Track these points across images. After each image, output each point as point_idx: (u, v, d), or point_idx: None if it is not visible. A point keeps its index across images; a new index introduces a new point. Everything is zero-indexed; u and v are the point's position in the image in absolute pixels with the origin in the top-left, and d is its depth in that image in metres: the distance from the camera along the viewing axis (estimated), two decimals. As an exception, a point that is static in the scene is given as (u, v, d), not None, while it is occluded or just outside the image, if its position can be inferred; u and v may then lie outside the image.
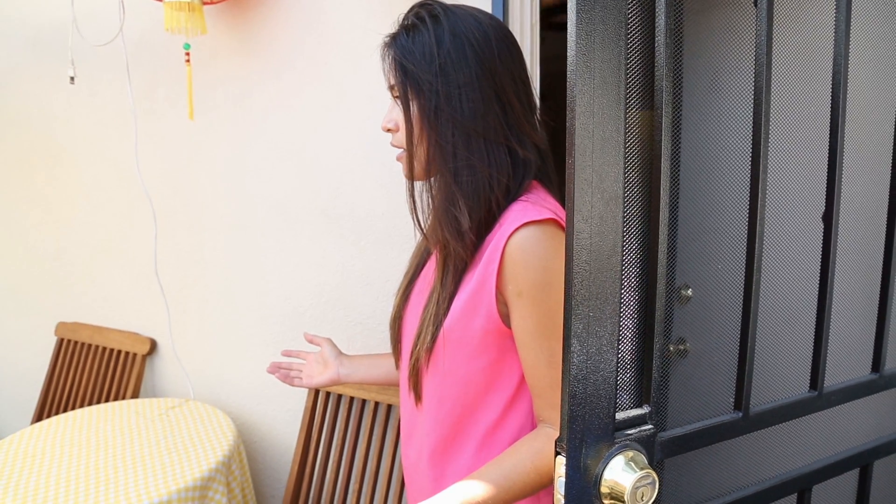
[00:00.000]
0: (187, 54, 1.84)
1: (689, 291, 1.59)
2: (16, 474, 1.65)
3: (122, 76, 2.09)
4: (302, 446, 1.90)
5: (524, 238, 0.85)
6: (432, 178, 0.96)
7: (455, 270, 0.93)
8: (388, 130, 0.99)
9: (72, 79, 1.85)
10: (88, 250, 2.42)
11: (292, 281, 1.93)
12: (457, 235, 0.91)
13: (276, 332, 1.99)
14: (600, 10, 0.64)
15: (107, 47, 2.07)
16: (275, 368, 1.30)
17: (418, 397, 0.99)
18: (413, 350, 0.97)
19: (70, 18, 2.16)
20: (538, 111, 1.00)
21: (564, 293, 0.65)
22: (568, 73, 0.64)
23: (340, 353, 1.28)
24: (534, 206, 0.88)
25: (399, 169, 1.63)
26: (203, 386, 2.17)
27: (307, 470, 1.90)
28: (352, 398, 1.85)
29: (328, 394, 1.89)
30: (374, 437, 1.81)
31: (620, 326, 0.71)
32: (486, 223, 0.91)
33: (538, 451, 0.87)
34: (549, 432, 0.89)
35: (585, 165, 0.65)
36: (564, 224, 0.87)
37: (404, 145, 0.96)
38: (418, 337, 0.95)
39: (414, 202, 0.98)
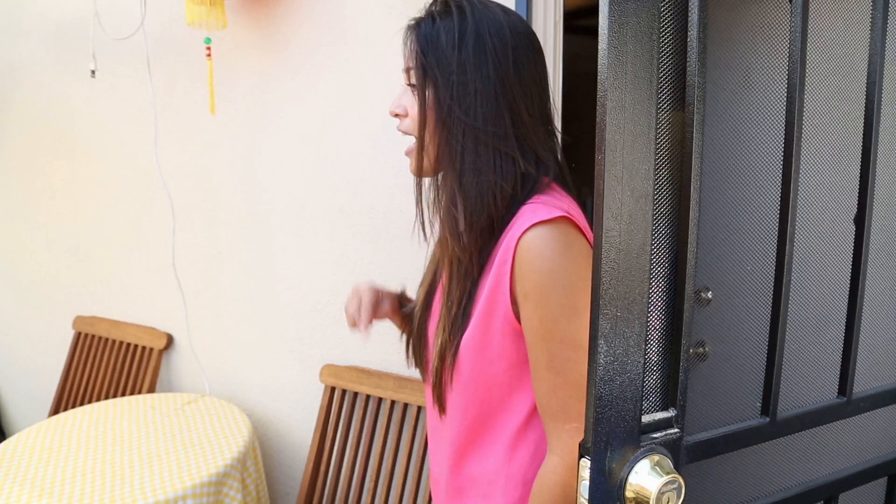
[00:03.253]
0: (208, 48, 1.84)
1: (709, 294, 1.57)
2: (32, 467, 1.66)
3: (143, 70, 2.10)
4: (317, 444, 1.89)
5: (532, 238, 0.84)
6: (439, 176, 0.95)
7: (458, 276, 0.92)
8: (396, 115, 0.98)
9: (93, 72, 1.86)
10: (107, 244, 2.43)
11: (309, 277, 1.93)
12: (454, 235, 0.90)
13: (293, 329, 1.99)
14: (633, 4, 0.62)
15: (127, 41, 2.08)
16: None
17: (442, 409, 0.98)
18: (433, 362, 0.96)
19: (91, 12, 2.17)
20: (554, 117, 0.98)
21: (592, 292, 0.64)
22: (599, 67, 0.63)
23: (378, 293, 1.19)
24: (544, 206, 0.87)
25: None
26: (219, 381, 2.17)
27: (322, 468, 1.90)
28: (367, 396, 1.85)
29: (344, 392, 1.89)
30: (389, 436, 1.80)
31: (648, 327, 0.69)
32: (489, 228, 0.90)
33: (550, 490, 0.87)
34: (553, 465, 0.88)
35: (616, 162, 0.63)
36: (579, 221, 0.87)
37: (413, 132, 0.95)
38: (437, 349, 0.95)
39: (420, 198, 0.97)
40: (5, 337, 2.97)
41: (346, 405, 1.89)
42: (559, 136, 1.00)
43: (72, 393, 2.50)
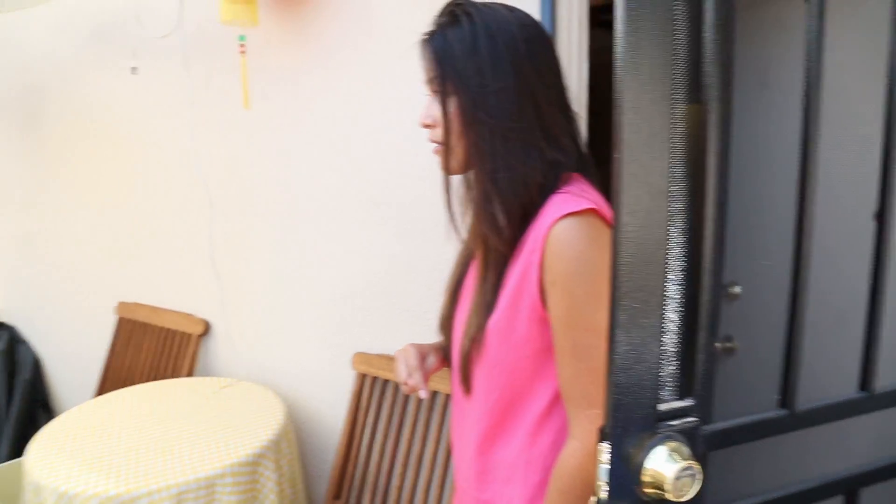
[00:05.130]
0: (242, 45, 1.89)
1: (738, 289, 1.57)
2: (79, 443, 1.75)
3: (180, 67, 2.17)
4: (348, 429, 1.95)
5: (562, 229, 0.87)
6: (469, 173, 0.98)
7: (496, 264, 0.96)
8: (427, 126, 1.01)
9: (134, 69, 1.92)
10: (147, 233, 2.52)
11: (340, 267, 1.98)
12: (495, 231, 0.94)
13: (324, 317, 2.05)
14: (649, 4, 0.64)
15: (165, 39, 2.15)
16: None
17: (468, 388, 1.02)
18: (462, 342, 0.99)
19: (131, 11, 2.25)
20: (572, 107, 1.00)
21: (610, 284, 0.67)
22: (615, 67, 0.65)
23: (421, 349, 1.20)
24: (574, 196, 0.90)
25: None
26: (253, 367, 2.24)
27: (353, 452, 1.95)
28: (397, 384, 1.89)
29: (374, 378, 1.94)
30: (418, 423, 1.85)
31: (664, 319, 0.72)
32: (524, 218, 0.93)
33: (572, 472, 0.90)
34: (572, 449, 0.90)
35: (632, 160, 0.66)
36: (606, 214, 0.89)
37: (442, 140, 0.98)
38: (467, 329, 0.98)
39: (449, 196, 1.00)
40: (54, 321, 3.10)
41: (376, 392, 1.94)
42: (578, 121, 1.02)
43: (115, 375, 2.60)
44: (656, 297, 0.70)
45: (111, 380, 2.60)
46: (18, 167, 3.08)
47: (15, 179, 3.12)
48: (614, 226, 0.66)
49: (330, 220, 1.97)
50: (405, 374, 1.10)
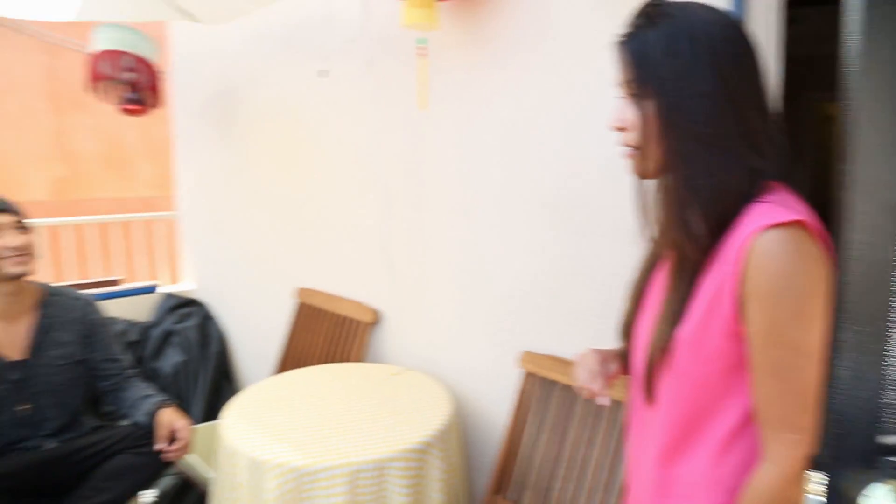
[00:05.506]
0: (421, 48, 1.97)
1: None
2: (266, 415, 1.92)
3: (362, 69, 2.30)
4: (512, 426, 1.98)
5: (766, 240, 0.83)
6: (663, 177, 0.95)
7: (688, 272, 0.92)
8: (619, 129, 0.99)
9: (322, 72, 2.07)
10: (325, 225, 2.70)
11: (509, 266, 2.00)
12: (689, 238, 0.90)
13: (491, 314, 2.09)
14: (885, 4, 0.59)
15: (350, 44, 2.29)
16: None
17: (651, 397, 0.99)
18: (649, 350, 0.97)
19: (319, 18, 2.41)
20: (772, 112, 0.94)
21: (835, 306, 0.63)
22: (846, 71, 0.61)
23: (602, 354, 1.18)
24: (778, 207, 0.85)
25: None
26: (420, 358, 2.34)
27: (516, 449, 1.98)
28: (565, 386, 1.89)
29: (541, 379, 1.95)
30: (585, 426, 1.83)
31: (890, 344, 0.66)
32: (720, 226, 0.89)
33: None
34: (767, 473, 0.86)
35: (864, 172, 0.61)
36: (814, 227, 0.83)
37: (636, 144, 0.95)
38: (653, 338, 0.96)
39: (642, 201, 0.98)
40: (239, 303, 3.42)
41: (542, 391, 1.95)
42: (778, 126, 0.96)
43: (292, 355, 2.82)
44: (882, 321, 0.64)
45: (289, 358, 2.83)
46: (214, 161, 3.44)
47: (212, 172, 3.48)
48: (840, 243, 0.62)
49: (501, 218, 2.00)
50: (586, 378, 1.10)
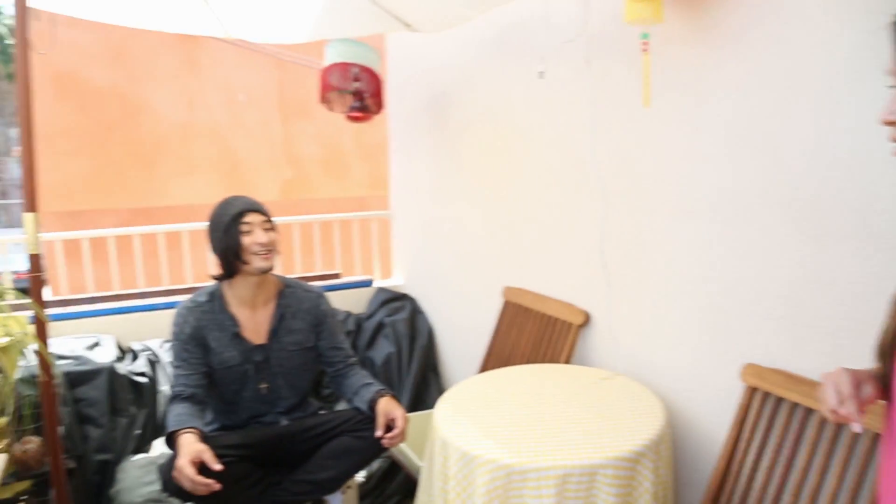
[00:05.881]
0: (644, 43, 1.89)
1: None
2: (476, 411, 1.97)
3: (581, 68, 2.28)
4: (731, 443, 1.84)
5: None
6: None
7: None
8: (889, 124, 0.87)
9: (541, 73, 2.07)
10: (536, 224, 2.71)
11: (736, 272, 1.86)
12: None
13: (712, 322, 1.96)
14: None
15: (569, 43, 2.28)
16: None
17: None
18: None
19: (535, 20, 2.43)
20: None
21: None
22: None
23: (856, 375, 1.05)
24: None
25: (889, 164, 1.44)
26: (632, 363, 2.26)
27: (734, 468, 1.84)
28: (794, 405, 1.72)
29: (766, 394, 1.79)
30: (817, 453, 1.66)
31: None
32: None
33: None
34: None
35: None
36: None
37: None
38: None
39: None
40: (446, 299, 3.56)
41: (767, 409, 1.79)
42: None
43: (498, 352, 2.87)
44: None
45: (495, 356, 2.88)
46: (426, 162, 3.61)
47: (424, 172, 3.66)
48: None
49: (728, 221, 1.87)
50: (835, 401, 0.98)
